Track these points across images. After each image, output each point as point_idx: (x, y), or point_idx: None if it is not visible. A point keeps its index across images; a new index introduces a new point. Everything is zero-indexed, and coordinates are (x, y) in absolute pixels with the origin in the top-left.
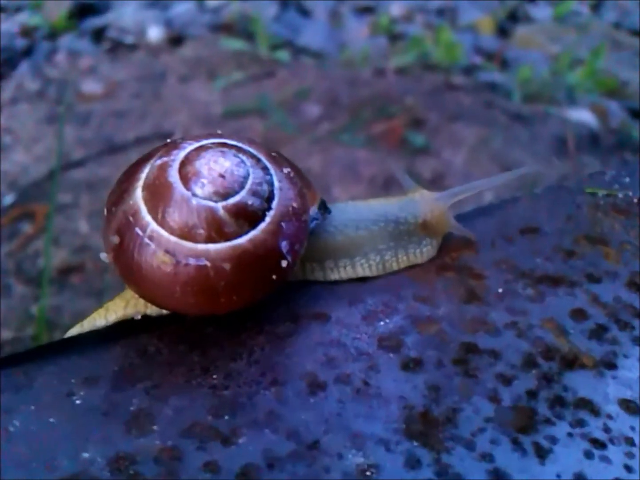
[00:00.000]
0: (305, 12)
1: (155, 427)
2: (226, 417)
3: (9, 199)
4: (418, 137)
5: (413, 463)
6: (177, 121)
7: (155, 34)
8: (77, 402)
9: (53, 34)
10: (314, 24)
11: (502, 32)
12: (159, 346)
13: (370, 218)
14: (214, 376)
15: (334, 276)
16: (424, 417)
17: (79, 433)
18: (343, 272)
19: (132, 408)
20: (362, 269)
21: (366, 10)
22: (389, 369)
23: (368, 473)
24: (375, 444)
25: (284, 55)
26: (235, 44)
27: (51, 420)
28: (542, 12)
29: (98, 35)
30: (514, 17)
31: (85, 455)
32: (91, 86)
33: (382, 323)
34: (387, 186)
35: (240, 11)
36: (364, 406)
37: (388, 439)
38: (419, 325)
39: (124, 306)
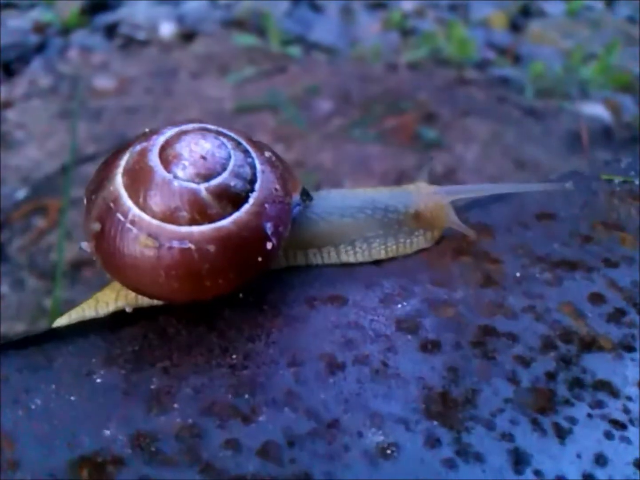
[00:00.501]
0: (317, 8)
1: (175, 406)
2: (246, 396)
3: (21, 193)
4: (430, 132)
5: (433, 442)
6: (188, 117)
7: (167, 30)
8: (98, 381)
9: (65, 30)
10: (325, 20)
11: (515, 27)
12: (178, 327)
13: (356, 206)
14: (233, 356)
15: (316, 261)
16: (443, 397)
17: (99, 411)
18: (327, 258)
19: (152, 387)
20: (346, 255)
21: (378, 6)
22: (407, 351)
23: (388, 451)
24: (394, 423)
25: (295, 50)
26: (247, 40)
27: (72, 398)
28: (555, 8)
29: (110, 31)
30: (527, 13)
31: (107, 432)
32: (103, 82)
33: (399, 306)
34: (400, 181)
35: (252, 7)
36: (383, 386)
37: (407, 419)
38: (436, 309)
39: (114, 297)
